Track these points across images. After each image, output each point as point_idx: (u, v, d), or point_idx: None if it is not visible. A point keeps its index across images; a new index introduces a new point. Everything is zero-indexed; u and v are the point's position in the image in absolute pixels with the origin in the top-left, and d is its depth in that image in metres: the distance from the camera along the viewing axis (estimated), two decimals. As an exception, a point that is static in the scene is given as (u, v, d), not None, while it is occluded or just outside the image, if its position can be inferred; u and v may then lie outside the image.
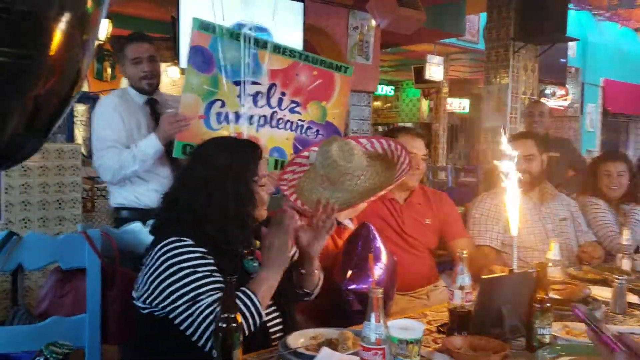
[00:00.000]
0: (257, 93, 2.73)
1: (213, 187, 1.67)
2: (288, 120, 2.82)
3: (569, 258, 2.79)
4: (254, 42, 2.69)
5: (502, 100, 6.66)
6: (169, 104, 2.85)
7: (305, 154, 2.38)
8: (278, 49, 2.77)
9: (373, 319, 1.18)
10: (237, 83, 2.68)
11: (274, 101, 2.77)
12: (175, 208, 1.70)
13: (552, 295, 1.91)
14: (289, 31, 5.41)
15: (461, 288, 1.66)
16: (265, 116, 2.76)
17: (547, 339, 1.58)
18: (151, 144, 2.63)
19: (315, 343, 1.55)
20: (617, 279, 1.97)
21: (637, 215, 3.16)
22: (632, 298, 2.05)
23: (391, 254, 2.15)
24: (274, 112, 2.79)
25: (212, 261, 1.62)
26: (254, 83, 2.72)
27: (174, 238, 1.61)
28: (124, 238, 2.02)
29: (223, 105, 2.65)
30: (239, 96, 2.68)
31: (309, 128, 2.89)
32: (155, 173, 2.75)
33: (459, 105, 13.23)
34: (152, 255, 1.63)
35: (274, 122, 2.79)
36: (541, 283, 1.62)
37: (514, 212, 1.83)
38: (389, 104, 14.53)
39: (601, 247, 2.77)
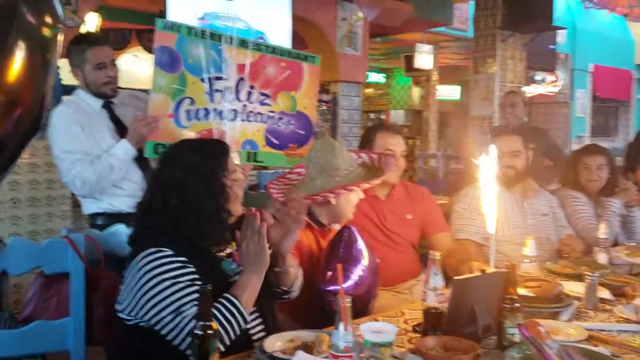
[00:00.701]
0: (226, 88, 2.74)
1: (185, 187, 1.69)
2: (259, 113, 2.85)
3: (549, 252, 2.84)
4: (218, 38, 2.69)
5: (490, 88, 6.71)
6: (127, 102, 2.82)
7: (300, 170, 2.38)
8: (244, 44, 2.78)
9: (341, 327, 1.23)
10: (205, 80, 2.68)
11: (243, 95, 2.79)
12: (150, 214, 1.72)
13: (526, 292, 1.96)
14: (277, 23, 5.42)
15: (434, 289, 1.71)
16: (235, 110, 2.78)
17: (516, 338, 1.63)
18: (125, 150, 2.58)
19: (292, 346, 1.59)
20: (589, 275, 2.03)
21: (613, 207, 3.20)
22: (604, 294, 2.11)
23: (373, 255, 2.19)
24: (244, 106, 2.80)
25: (192, 269, 1.64)
26: (221, 79, 2.72)
27: (153, 249, 1.62)
28: (109, 241, 2.05)
29: (192, 102, 2.66)
30: (208, 93, 2.69)
31: (280, 119, 2.93)
32: (127, 178, 2.68)
33: (450, 92, 13.24)
34: (132, 267, 1.65)
35: (244, 116, 2.81)
36: (511, 283, 1.67)
37: (491, 210, 1.88)
38: (381, 91, 14.53)
39: (582, 241, 2.82)
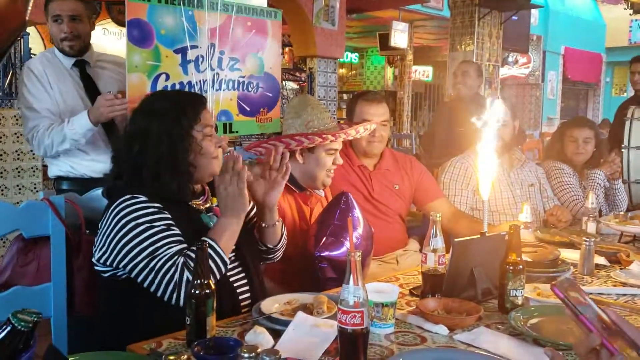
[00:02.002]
0: (198, 57, 2.65)
1: (148, 134, 1.63)
2: (230, 79, 2.78)
3: (536, 222, 2.83)
4: (189, 2, 2.59)
5: (467, 67, 6.67)
6: (106, 66, 2.71)
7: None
8: (213, 5, 2.68)
9: (351, 282, 1.17)
10: (178, 51, 2.59)
11: (214, 62, 2.71)
12: (120, 161, 1.68)
13: (523, 257, 1.93)
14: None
15: (434, 251, 1.66)
16: (207, 80, 2.70)
17: (519, 301, 1.60)
18: (81, 123, 2.44)
19: (290, 308, 1.53)
20: (585, 240, 2.01)
21: (598, 179, 3.22)
22: (598, 259, 2.10)
23: (368, 223, 2.13)
24: (216, 74, 2.73)
25: (168, 215, 1.58)
26: (193, 47, 2.63)
27: (128, 196, 1.57)
28: (89, 205, 1.94)
29: (167, 78, 2.57)
30: (181, 64, 2.61)
31: (249, 83, 2.89)
32: (92, 143, 2.58)
33: (423, 73, 13.25)
34: (106, 216, 1.59)
35: (217, 85, 2.73)
36: (513, 245, 1.63)
37: (486, 177, 1.83)
38: (354, 72, 14.45)
39: (568, 212, 2.81)
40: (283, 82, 10.84)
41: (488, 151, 1.85)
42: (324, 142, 2.15)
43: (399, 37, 9.20)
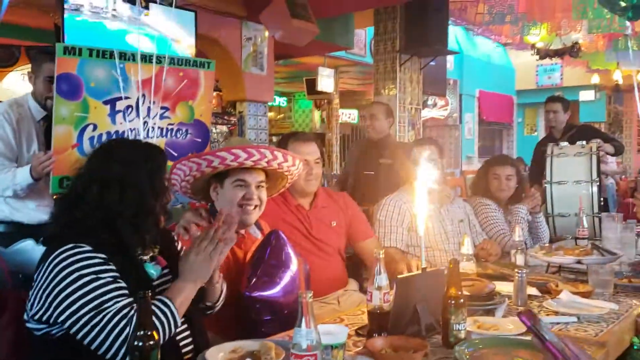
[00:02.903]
0: (128, 107, 2.72)
1: (127, 183, 1.59)
2: (158, 127, 2.84)
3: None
4: (120, 56, 2.66)
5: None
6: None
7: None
8: (145, 58, 2.76)
9: (304, 324, 1.15)
10: (107, 102, 2.66)
11: (143, 111, 2.77)
12: (79, 208, 1.58)
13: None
14: (182, 41, 5.28)
15: (379, 288, 1.67)
16: (136, 129, 2.75)
17: (462, 334, 1.63)
18: (23, 177, 2.52)
19: (236, 357, 1.49)
20: (517, 272, 2.09)
21: (521, 213, 3.37)
22: (530, 290, 2.18)
23: (304, 260, 2.12)
24: (144, 123, 2.79)
25: (113, 267, 1.52)
26: (123, 98, 2.70)
27: (70, 245, 1.49)
28: (15, 259, 1.85)
29: (95, 128, 2.61)
30: (110, 114, 2.67)
31: (178, 130, 2.96)
32: (37, 192, 2.64)
33: (349, 115, 13.58)
34: (45, 266, 1.49)
35: (144, 133, 2.80)
36: (454, 279, 1.67)
37: (421, 212, 1.88)
38: (282, 115, 14.61)
39: (497, 245, 2.92)
40: (213, 126, 10.79)
41: (422, 189, 1.91)
42: (235, 160, 2.00)
43: (325, 82, 9.41)
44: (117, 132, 2.69)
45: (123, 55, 2.66)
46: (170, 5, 4.27)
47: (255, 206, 2.10)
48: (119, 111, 2.69)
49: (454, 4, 6.95)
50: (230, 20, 5.98)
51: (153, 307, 1.47)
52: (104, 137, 2.63)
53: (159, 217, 1.64)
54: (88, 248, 1.50)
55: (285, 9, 5.01)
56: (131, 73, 2.70)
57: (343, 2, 6.02)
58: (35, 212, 2.57)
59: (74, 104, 2.53)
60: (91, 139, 2.59)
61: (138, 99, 2.74)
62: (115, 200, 1.57)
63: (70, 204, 1.61)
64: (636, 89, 6.04)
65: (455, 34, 11.32)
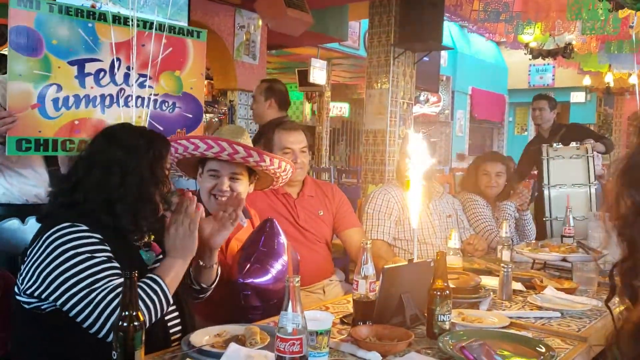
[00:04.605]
0: (99, 71, 2.52)
1: (129, 168, 1.58)
2: (138, 96, 2.64)
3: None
4: (88, 14, 2.47)
5: (383, 104, 6.90)
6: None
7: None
8: (118, 20, 2.57)
9: (290, 308, 1.16)
10: (73, 63, 2.45)
11: (119, 77, 2.58)
12: (79, 190, 1.57)
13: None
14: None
15: (365, 278, 1.68)
16: (111, 95, 2.56)
17: (447, 326, 1.64)
18: None
19: (220, 340, 1.49)
20: (503, 267, 2.10)
21: (509, 210, 3.40)
22: (515, 285, 2.19)
23: (294, 251, 2.13)
24: (121, 89, 2.59)
25: (108, 248, 1.52)
26: (93, 60, 2.50)
27: (66, 224, 1.49)
28: (1, 236, 1.83)
29: (59, 89, 2.41)
30: (77, 77, 2.46)
31: (163, 102, 2.76)
32: (32, 168, 2.46)
33: (340, 109, 13.57)
34: (40, 242, 1.49)
35: (122, 101, 2.60)
36: (440, 272, 1.68)
37: (414, 206, 1.89)
38: (272, 106, 14.57)
39: (484, 241, 2.93)
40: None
41: (413, 183, 1.92)
42: (206, 150, 2.03)
43: (318, 74, 9.38)
44: (87, 96, 2.49)
45: (91, 14, 2.47)
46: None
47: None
48: (89, 74, 2.48)
49: (450, 0, 6.94)
50: (224, 7, 5.95)
51: (143, 286, 1.48)
52: (71, 100, 2.45)
53: (157, 205, 1.62)
54: (84, 227, 1.50)
55: (281, -3, 5.00)
56: (102, 34, 2.51)
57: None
58: (33, 188, 2.40)
59: (32, 60, 2.33)
60: (55, 100, 2.40)
61: (113, 63, 2.54)
62: (116, 184, 1.56)
63: (70, 185, 1.60)
64: (637, 89, 6.07)
65: (449, 30, 11.34)
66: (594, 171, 3.49)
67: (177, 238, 1.58)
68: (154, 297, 1.48)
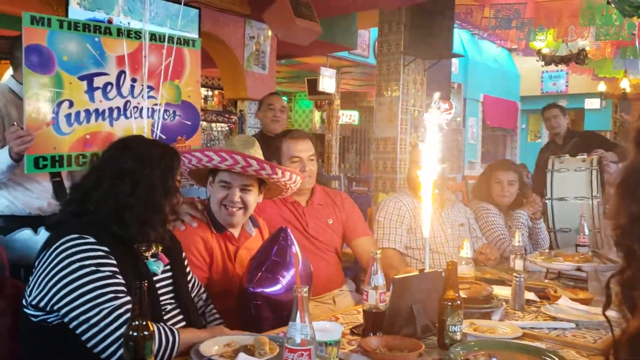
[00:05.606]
0: (107, 84, 2.58)
1: (140, 178, 1.60)
2: (144, 108, 2.71)
3: (468, 260, 2.91)
4: (93, 29, 2.52)
5: (394, 111, 6.89)
6: None
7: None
8: (121, 33, 2.63)
9: (298, 319, 1.15)
10: (83, 78, 2.51)
11: (125, 90, 2.64)
12: (91, 199, 1.59)
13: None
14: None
15: (375, 288, 1.67)
16: (118, 108, 2.62)
17: (458, 336, 1.62)
18: (3, 158, 2.32)
19: (230, 350, 1.49)
20: (515, 277, 2.07)
21: (522, 218, 3.36)
22: (528, 295, 2.16)
23: (307, 261, 2.12)
24: (127, 102, 2.65)
25: (114, 262, 1.52)
26: (100, 74, 2.56)
27: (75, 235, 1.50)
28: (14, 247, 1.84)
29: (71, 105, 2.47)
30: (87, 92, 2.52)
31: (165, 111, 2.83)
32: (35, 180, 2.48)
33: (349, 117, 13.58)
34: (48, 253, 1.50)
35: (128, 113, 2.66)
36: (451, 282, 1.66)
37: (426, 215, 1.87)
38: (283, 115, 14.62)
39: (497, 250, 2.91)
40: (212, 124, 10.78)
41: (425, 191, 1.90)
42: (219, 163, 2.05)
43: (327, 82, 9.40)
44: (96, 110, 2.54)
45: (98, 28, 2.53)
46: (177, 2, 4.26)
47: (240, 208, 2.13)
48: (98, 88, 2.54)
49: (460, 8, 6.93)
50: (234, 18, 5.98)
51: (159, 325, 1.49)
52: (82, 115, 2.49)
53: (167, 216, 1.64)
54: (92, 240, 1.51)
55: (289, 7, 5.01)
56: (108, 48, 2.57)
57: (347, 2, 6.01)
58: (36, 201, 2.40)
59: (46, 77, 2.39)
60: (67, 116, 2.45)
61: (119, 76, 2.61)
62: (126, 192, 1.57)
63: (81, 193, 1.62)
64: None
65: (460, 37, 11.31)
66: (599, 183, 3.44)
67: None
68: (164, 340, 1.48)
